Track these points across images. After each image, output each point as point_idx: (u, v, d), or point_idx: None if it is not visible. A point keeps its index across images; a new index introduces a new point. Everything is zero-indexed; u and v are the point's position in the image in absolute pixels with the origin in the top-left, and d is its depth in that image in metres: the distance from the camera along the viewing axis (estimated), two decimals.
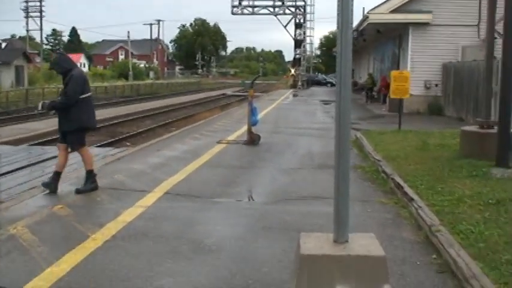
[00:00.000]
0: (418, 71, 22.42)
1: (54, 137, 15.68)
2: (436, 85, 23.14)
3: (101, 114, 26.36)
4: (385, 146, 12.02)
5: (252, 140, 13.21)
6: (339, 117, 4.00)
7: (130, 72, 76.99)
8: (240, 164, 10.60)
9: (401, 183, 7.96)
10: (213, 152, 11.97)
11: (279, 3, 55.82)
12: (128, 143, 15.74)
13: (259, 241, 5.70)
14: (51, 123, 15.47)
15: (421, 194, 7.22)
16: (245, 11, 56.74)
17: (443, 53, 22.90)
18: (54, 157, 12.30)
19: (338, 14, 3.78)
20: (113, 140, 16.14)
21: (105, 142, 15.49)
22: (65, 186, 8.35)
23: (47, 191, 7.88)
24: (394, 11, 22.99)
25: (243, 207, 7.20)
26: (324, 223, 6.16)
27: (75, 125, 7.91)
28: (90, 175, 8.10)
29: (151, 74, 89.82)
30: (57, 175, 8.03)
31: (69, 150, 8.29)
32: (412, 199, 7.01)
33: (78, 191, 7.85)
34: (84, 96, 7.90)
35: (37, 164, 11.91)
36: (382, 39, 30.42)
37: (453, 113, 21.30)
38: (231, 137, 14.47)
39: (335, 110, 4.27)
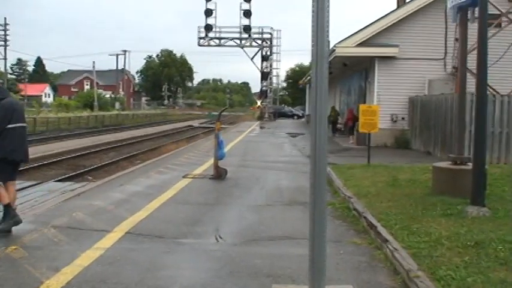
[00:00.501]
0: (385, 104, 22.38)
1: None
2: (403, 118, 23.15)
3: (62, 146, 25.89)
4: (355, 181, 11.77)
5: (219, 174, 12.84)
6: (315, 158, 3.67)
7: (96, 103, 75.97)
8: (206, 200, 10.19)
9: (374, 222, 7.67)
10: (179, 187, 11.53)
11: (246, 35, 56.00)
12: (90, 177, 15.18)
13: None
14: None
15: (395, 235, 6.92)
16: (212, 42, 56.75)
17: (410, 87, 22.97)
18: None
19: (313, 46, 3.50)
20: (73, 173, 15.53)
21: (65, 176, 14.89)
22: (20, 225, 7.79)
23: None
24: (360, 45, 23.04)
25: (209, 248, 6.78)
26: (296, 268, 5.82)
27: None
28: (7, 210, 7.49)
29: (117, 104, 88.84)
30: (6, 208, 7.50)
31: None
32: (386, 240, 6.70)
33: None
34: (11, 126, 7.42)
35: None
36: (348, 72, 30.53)
37: (420, 146, 21.26)
38: (198, 171, 14.07)
39: (310, 149, 3.97)
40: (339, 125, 32.09)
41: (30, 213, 8.68)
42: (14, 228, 7.47)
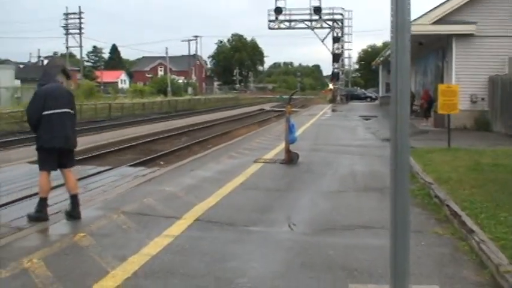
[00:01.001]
0: (464, 84, 21.25)
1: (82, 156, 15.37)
2: (483, 99, 22.00)
3: (136, 131, 26.28)
4: (435, 166, 11.14)
5: (290, 159, 12.51)
6: (396, 141, 3.26)
7: (169, 88, 77.17)
8: (277, 186, 9.89)
9: (458, 210, 7.13)
10: (249, 172, 11.30)
11: (316, 17, 55.12)
12: (162, 162, 15.19)
13: (300, 281, 4.97)
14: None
15: (482, 225, 6.38)
16: (282, 25, 56.27)
17: (490, 65, 21.81)
18: (84, 177, 11.95)
19: (392, 15, 3.08)
20: (146, 158, 15.60)
21: (138, 161, 14.95)
22: (90, 211, 7.82)
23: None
24: (436, 22, 22.02)
25: (280, 237, 6.47)
26: (373, 260, 5.43)
27: (37, 144, 7.50)
28: (40, 203, 7.42)
29: (190, 89, 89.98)
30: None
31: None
32: (472, 231, 6.18)
33: (28, 216, 7.47)
34: (46, 113, 7.30)
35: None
36: (424, 52, 29.39)
37: (501, 128, 20.16)
38: (269, 156, 13.80)
39: (390, 132, 3.56)
40: (414, 107, 31.03)
41: (100, 199, 8.67)
42: (84, 215, 7.46)
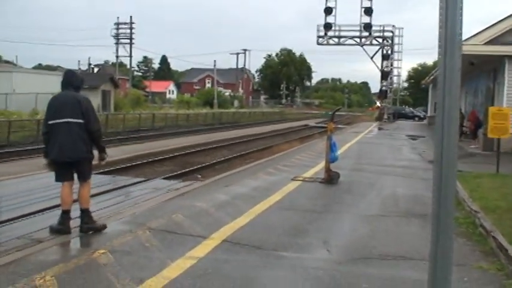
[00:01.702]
0: None
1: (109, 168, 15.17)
2: None
3: (178, 142, 26.15)
4: (483, 192, 10.48)
5: (330, 178, 12.03)
6: (441, 164, 2.84)
7: (215, 101, 77.51)
8: (314, 207, 9.42)
9: (505, 244, 6.54)
10: (286, 190, 10.87)
11: (366, 33, 54.35)
12: (199, 175, 14.92)
13: None
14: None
15: None
16: (331, 41, 55.64)
17: None
18: (116, 188, 11.70)
19: (440, 27, 2.66)
20: (182, 171, 15.35)
21: (173, 174, 14.69)
22: (116, 225, 7.55)
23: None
24: (489, 42, 21.23)
25: (311, 265, 6.01)
26: None
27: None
28: (62, 215, 7.16)
29: (236, 102, 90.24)
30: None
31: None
32: None
33: (50, 228, 7.22)
34: (50, 123, 7.08)
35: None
36: (475, 72, 28.44)
37: None
38: (308, 174, 13.35)
39: (435, 154, 3.16)
40: (464, 128, 30.04)
41: (129, 213, 8.38)
42: (109, 229, 7.25)
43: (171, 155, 19.41)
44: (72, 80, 7.41)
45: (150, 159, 17.92)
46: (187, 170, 15.61)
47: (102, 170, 14.01)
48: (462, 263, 6.14)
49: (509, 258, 6.06)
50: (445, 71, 2.64)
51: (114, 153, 18.17)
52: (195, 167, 16.30)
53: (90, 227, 7.18)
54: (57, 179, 7.27)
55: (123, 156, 17.07)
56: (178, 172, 15.04)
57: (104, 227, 7.31)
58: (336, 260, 6.27)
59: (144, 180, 13.11)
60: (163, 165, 17.31)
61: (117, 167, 14.22)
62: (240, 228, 7.51)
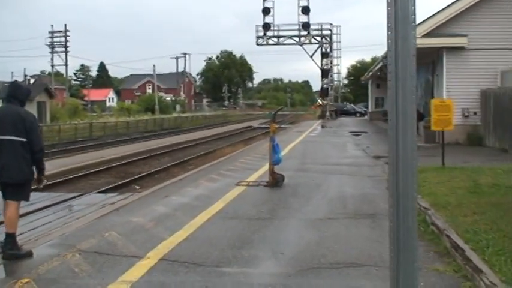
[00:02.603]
0: (455, 98, 20.32)
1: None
2: (475, 113, 21.18)
3: (116, 151, 25.19)
4: (430, 188, 10.23)
5: (275, 181, 11.57)
6: (397, 162, 2.39)
7: (157, 106, 76.21)
8: (259, 213, 8.91)
9: (461, 243, 6.21)
10: (229, 197, 10.33)
11: (304, 32, 54.44)
12: (137, 186, 14.19)
13: None
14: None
15: (490, 262, 5.47)
16: (270, 41, 55.49)
17: (482, 79, 21.02)
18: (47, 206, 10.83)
19: (389, 5, 2.19)
20: (120, 182, 14.58)
21: (110, 186, 13.90)
22: (43, 249, 6.85)
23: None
24: (426, 35, 21.24)
25: (257, 281, 5.51)
26: None
27: None
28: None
29: (178, 107, 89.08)
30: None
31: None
32: (479, 270, 5.26)
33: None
34: None
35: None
36: None
37: (495, 143, 19.34)
38: (252, 177, 12.87)
39: (389, 151, 2.72)
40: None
41: (58, 234, 7.67)
42: (36, 253, 6.59)
43: (108, 166, 18.55)
44: (16, 93, 6.78)
45: (86, 172, 17.04)
46: (125, 181, 14.86)
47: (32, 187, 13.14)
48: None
49: (466, 259, 5.72)
50: (397, 58, 2.18)
51: (48, 167, 17.18)
52: (133, 178, 15.55)
53: (14, 254, 6.46)
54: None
55: (56, 170, 16.14)
56: (115, 184, 14.26)
57: (30, 254, 6.57)
58: (284, 272, 5.78)
59: (78, 196, 12.32)
60: (99, 177, 16.47)
61: (49, 183, 13.27)
62: (179, 243, 6.93)
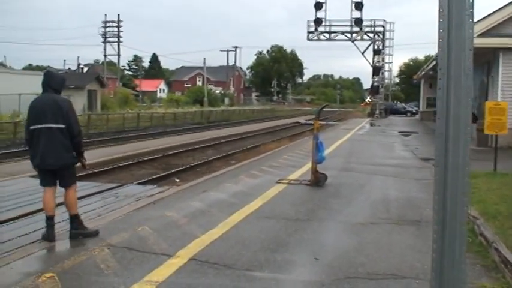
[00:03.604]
0: (510, 101, 19.62)
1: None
2: None
3: (161, 143, 25.20)
4: (480, 195, 9.64)
5: (317, 180, 11.21)
6: (446, 164, 2.05)
7: (206, 99, 76.55)
8: (298, 214, 8.56)
9: (511, 258, 5.72)
10: (269, 195, 10.03)
11: (357, 29, 53.52)
12: (177, 179, 14.01)
13: None
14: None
15: None
16: (321, 37, 54.81)
17: None
18: (85, 196, 10.78)
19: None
20: (160, 175, 14.43)
21: (149, 178, 13.75)
22: (73, 242, 6.75)
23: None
24: (482, 35, 20.39)
25: None
26: None
27: None
28: (46, 222, 6.86)
29: (227, 100, 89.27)
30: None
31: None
32: None
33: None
34: (31, 128, 6.74)
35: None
36: None
37: None
38: (294, 175, 12.53)
39: (435, 152, 2.37)
40: None
41: (91, 226, 7.49)
42: (65, 247, 6.58)
43: (151, 157, 18.46)
44: (50, 82, 6.93)
45: (129, 162, 17.01)
46: (165, 173, 14.71)
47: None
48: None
49: None
50: (450, 51, 1.81)
51: (90, 156, 17.17)
52: (174, 170, 15.37)
53: (80, 233, 6.90)
54: (42, 183, 6.98)
55: (100, 160, 16.14)
56: (155, 176, 14.11)
57: (96, 232, 6.98)
58: (318, 281, 5.44)
59: (117, 186, 12.19)
60: (142, 168, 16.39)
61: (90, 172, 13.27)
62: (211, 243, 6.67)
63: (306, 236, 7.20)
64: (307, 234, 7.32)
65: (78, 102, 44.28)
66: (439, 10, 1.90)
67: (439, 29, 1.92)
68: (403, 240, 7.11)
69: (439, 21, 1.93)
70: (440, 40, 1.91)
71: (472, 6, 1.95)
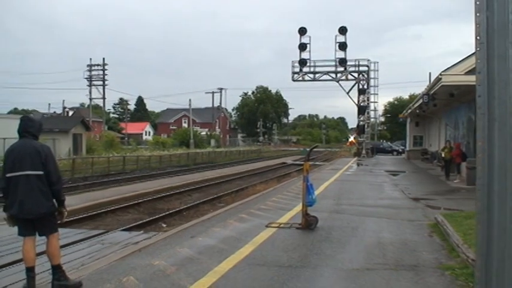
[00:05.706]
0: None
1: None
2: None
3: (147, 186, 24.71)
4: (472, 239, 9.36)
5: (308, 223, 10.89)
6: None
7: (192, 140, 76.32)
8: (290, 260, 8.21)
9: None
10: (259, 240, 9.67)
11: (341, 68, 53.89)
12: (164, 224, 13.62)
13: None
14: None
15: None
16: (306, 77, 55.05)
17: None
18: (68, 244, 10.41)
19: (478, 11, 1.58)
20: (146, 220, 14.03)
21: (135, 224, 13.34)
22: None
23: None
24: (471, 72, 20.47)
25: None
26: None
27: None
28: (26, 273, 6.42)
29: (213, 142, 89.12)
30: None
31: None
32: None
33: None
34: (9, 175, 6.40)
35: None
36: (454, 104, 27.80)
37: None
38: (284, 218, 12.20)
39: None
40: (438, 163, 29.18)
41: (73, 277, 7.09)
42: None
43: (137, 201, 18.05)
44: (28, 127, 6.63)
45: (114, 207, 16.57)
46: (152, 218, 14.31)
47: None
48: None
49: None
50: (490, 87, 1.55)
51: (75, 201, 16.80)
52: (161, 215, 14.97)
53: (63, 285, 6.57)
54: (20, 233, 6.61)
55: (84, 204, 15.69)
56: (141, 222, 13.70)
57: (80, 284, 6.61)
58: None
59: (101, 233, 11.77)
60: (127, 213, 15.98)
61: (76, 217, 12.85)
62: None
63: (300, 285, 6.85)
64: (301, 282, 6.97)
65: (64, 145, 43.85)
66: (476, 37, 1.66)
67: (477, 59, 1.67)
68: None
69: (476, 50, 1.68)
70: (478, 73, 1.65)
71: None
